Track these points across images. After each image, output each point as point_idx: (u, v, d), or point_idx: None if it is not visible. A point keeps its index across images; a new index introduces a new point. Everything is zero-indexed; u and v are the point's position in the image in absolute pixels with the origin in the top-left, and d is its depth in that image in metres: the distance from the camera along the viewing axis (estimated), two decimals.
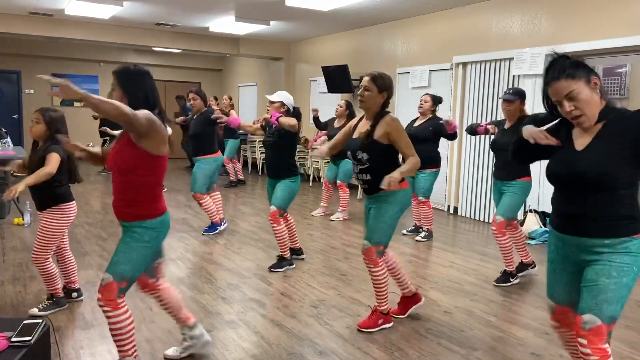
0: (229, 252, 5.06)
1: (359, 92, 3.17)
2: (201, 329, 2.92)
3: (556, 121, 2.06)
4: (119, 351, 2.52)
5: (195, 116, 5.79)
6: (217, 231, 5.80)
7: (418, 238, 5.70)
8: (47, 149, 3.33)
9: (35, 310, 3.39)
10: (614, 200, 1.94)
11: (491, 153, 6.73)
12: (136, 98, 2.41)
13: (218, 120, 5.18)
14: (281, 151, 4.41)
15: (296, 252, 4.82)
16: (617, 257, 1.94)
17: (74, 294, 3.67)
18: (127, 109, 2.25)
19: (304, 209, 7.42)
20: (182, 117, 6.90)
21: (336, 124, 6.61)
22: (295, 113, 4.45)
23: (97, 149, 2.75)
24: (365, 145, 3.09)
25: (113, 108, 2.20)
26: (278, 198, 4.38)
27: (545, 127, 2.05)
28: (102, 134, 9.60)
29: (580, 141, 2.00)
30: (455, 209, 7.42)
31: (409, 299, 3.53)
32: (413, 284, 3.56)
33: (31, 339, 2.32)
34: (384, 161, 3.11)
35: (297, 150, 10.51)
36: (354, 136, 3.25)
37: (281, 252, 4.56)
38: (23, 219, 5.99)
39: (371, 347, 3.07)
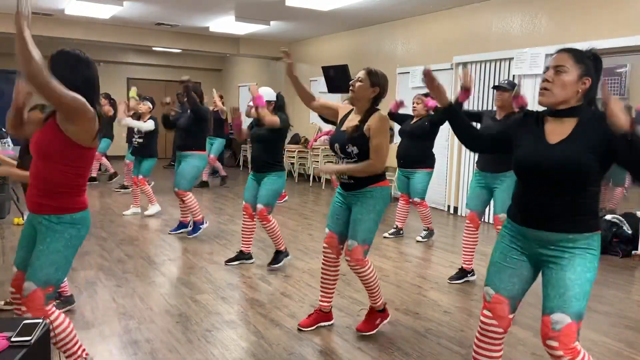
0: (229, 252, 5.06)
1: (351, 82, 3.12)
2: None
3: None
4: (67, 357, 2.40)
5: (188, 111, 5.63)
6: (200, 231, 5.68)
7: (419, 238, 5.68)
8: None
9: None
10: (582, 196, 1.95)
11: None
12: (70, 87, 2.15)
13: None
14: (267, 145, 4.40)
15: (246, 256, 4.74)
16: (580, 252, 1.95)
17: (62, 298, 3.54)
18: (49, 76, 2.02)
19: (303, 208, 7.42)
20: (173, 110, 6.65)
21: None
22: (280, 101, 4.52)
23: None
24: (354, 138, 3.04)
25: (33, 64, 1.92)
26: (263, 196, 4.38)
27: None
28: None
29: (553, 136, 2.01)
30: (455, 209, 7.42)
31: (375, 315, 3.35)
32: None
33: (31, 339, 2.32)
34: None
35: (297, 150, 10.58)
36: (341, 129, 3.16)
37: (276, 247, 4.60)
38: (23, 219, 5.99)
39: (371, 347, 3.07)
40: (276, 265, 4.57)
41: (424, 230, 5.72)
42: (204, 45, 10.75)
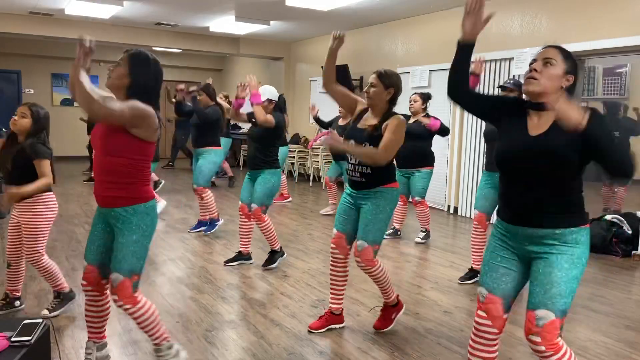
0: (229, 252, 5.06)
1: (365, 89, 3.14)
2: (108, 351, 2.74)
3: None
4: (153, 340, 2.54)
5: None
6: (216, 227, 5.73)
7: (417, 240, 5.66)
8: (33, 149, 3.13)
9: (45, 312, 3.34)
10: (565, 190, 1.96)
11: None
12: (138, 84, 2.37)
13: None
14: (262, 143, 4.40)
15: (247, 256, 4.72)
16: (567, 248, 1.95)
17: (17, 302, 3.51)
18: (107, 104, 2.17)
19: (303, 208, 7.41)
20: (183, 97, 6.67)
21: (341, 123, 6.61)
22: (280, 102, 4.52)
23: None
24: (372, 137, 3.04)
25: (94, 104, 2.13)
26: (258, 196, 4.37)
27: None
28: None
29: (534, 129, 2.03)
30: (455, 209, 7.42)
31: (389, 309, 3.36)
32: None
33: (31, 339, 2.32)
34: None
35: (297, 150, 10.56)
36: (358, 126, 3.16)
37: (271, 246, 4.58)
38: None
39: (371, 347, 3.07)
40: (271, 266, 4.53)
41: (422, 231, 5.71)
42: (204, 45, 10.75)
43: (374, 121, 3.09)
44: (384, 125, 3.02)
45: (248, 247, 4.70)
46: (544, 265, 1.97)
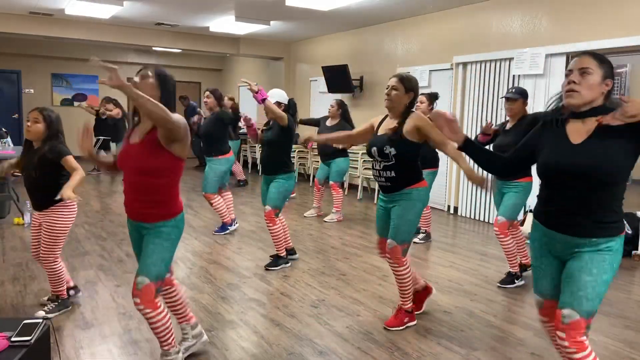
0: (229, 252, 5.06)
1: (386, 91, 3.20)
2: (200, 328, 2.94)
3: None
4: (163, 345, 2.58)
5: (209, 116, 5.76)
6: (227, 231, 5.78)
7: (416, 240, 5.66)
8: (54, 151, 3.24)
9: (41, 314, 3.34)
10: (606, 198, 2.00)
11: None
12: (165, 99, 2.48)
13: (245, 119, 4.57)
14: (276, 148, 4.43)
15: (289, 252, 4.81)
16: (599, 255, 2.01)
17: (71, 292, 3.62)
18: (169, 113, 2.29)
19: (303, 208, 7.41)
20: (197, 117, 6.83)
21: (329, 123, 6.61)
22: (291, 106, 4.53)
23: (109, 158, 2.80)
24: (393, 140, 3.11)
25: (158, 109, 2.24)
26: (272, 198, 4.42)
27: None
28: (95, 134, 9.83)
29: (576, 136, 2.04)
30: (455, 209, 7.42)
31: (421, 294, 3.59)
32: (422, 279, 3.60)
33: (31, 339, 2.32)
34: (409, 158, 3.15)
35: (297, 150, 10.55)
36: (379, 133, 3.25)
37: (277, 250, 4.59)
38: (23, 219, 5.99)
39: (371, 347, 3.07)
40: (273, 269, 4.52)
41: (422, 232, 5.70)
42: (204, 45, 10.75)
43: (393, 124, 3.17)
44: (409, 128, 3.10)
45: (282, 249, 4.61)
46: (574, 267, 2.03)
